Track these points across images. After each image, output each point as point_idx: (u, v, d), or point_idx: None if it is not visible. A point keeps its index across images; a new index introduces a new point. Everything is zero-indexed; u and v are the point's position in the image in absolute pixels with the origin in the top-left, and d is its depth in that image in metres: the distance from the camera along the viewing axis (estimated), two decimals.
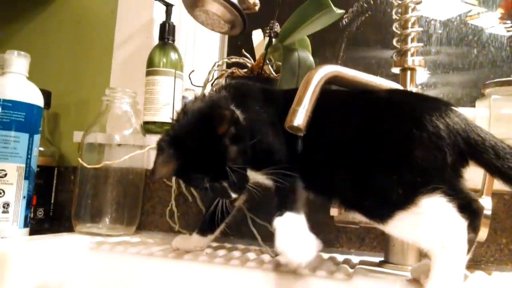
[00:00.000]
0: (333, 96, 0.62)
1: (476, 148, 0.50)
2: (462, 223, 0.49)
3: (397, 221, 0.50)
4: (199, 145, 0.56)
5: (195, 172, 0.57)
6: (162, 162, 0.56)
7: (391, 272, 0.63)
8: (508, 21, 0.97)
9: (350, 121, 0.57)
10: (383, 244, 0.75)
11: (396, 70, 0.69)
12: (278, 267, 0.61)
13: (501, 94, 0.75)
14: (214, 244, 0.80)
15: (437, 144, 0.50)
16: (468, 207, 0.50)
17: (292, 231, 0.54)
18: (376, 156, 0.52)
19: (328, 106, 0.58)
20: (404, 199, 0.49)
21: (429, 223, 0.49)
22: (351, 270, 0.62)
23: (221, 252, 0.72)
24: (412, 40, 0.68)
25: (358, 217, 0.55)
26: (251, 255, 0.70)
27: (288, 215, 0.55)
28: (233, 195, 0.58)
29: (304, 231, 0.54)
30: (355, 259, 0.73)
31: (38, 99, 0.83)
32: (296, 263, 0.54)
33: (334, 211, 0.63)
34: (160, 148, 0.57)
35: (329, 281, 0.57)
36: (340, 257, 0.74)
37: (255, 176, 0.61)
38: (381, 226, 0.52)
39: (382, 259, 0.69)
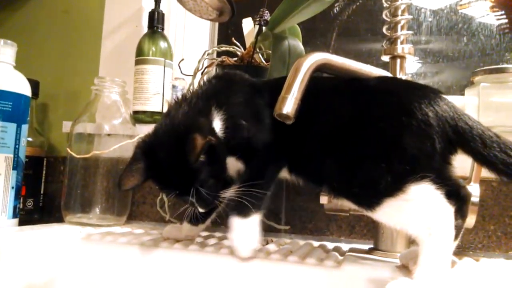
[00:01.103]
0: (323, 83, 0.62)
1: (463, 137, 0.50)
2: (449, 209, 0.49)
3: (385, 208, 0.50)
4: (169, 162, 0.57)
5: (163, 186, 0.60)
6: (129, 174, 0.57)
7: (380, 259, 0.64)
8: (499, 10, 0.98)
9: (340, 109, 0.57)
10: (373, 231, 0.75)
11: (386, 58, 0.69)
12: (268, 255, 0.61)
13: (490, 82, 0.76)
14: (205, 233, 0.80)
15: (426, 131, 0.50)
16: (455, 194, 0.51)
17: (247, 232, 0.59)
18: (365, 143, 0.52)
19: (318, 93, 0.58)
20: (393, 186, 0.49)
21: (417, 210, 0.49)
22: (340, 258, 0.63)
23: (212, 241, 0.72)
24: (402, 27, 0.68)
25: (347, 204, 0.55)
26: None
27: (249, 220, 0.59)
28: (200, 210, 0.59)
29: (255, 230, 0.59)
30: (345, 246, 0.74)
31: (25, 89, 0.82)
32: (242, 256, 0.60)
33: (324, 199, 0.63)
34: (133, 156, 0.60)
35: (319, 269, 0.58)
36: (330, 245, 0.74)
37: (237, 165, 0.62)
38: (369, 213, 0.52)
39: (372, 246, 0.69)
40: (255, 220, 0.59)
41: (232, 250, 0.63)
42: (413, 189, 0.49)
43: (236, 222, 0.59)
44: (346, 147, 0.54)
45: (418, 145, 0.50)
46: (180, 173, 0.56)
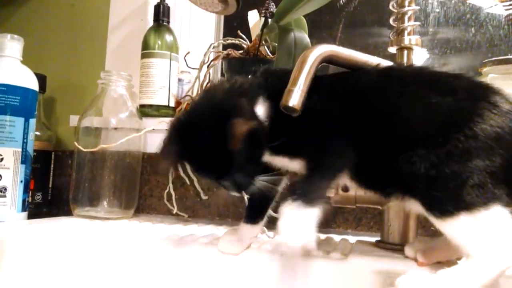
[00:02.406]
0: (399, 80, 0.55)
1: None
2: None
3: (458, 220, 0.46)
4: (206, 145, 0.52)
5: (199, 169, 0.56)
6: (164, 157, 0.54)
7: (387, 251, 0.64)
8: (507, 1, 0.96)
9: (426, 109, 0.51)
10: (379, 224, 0.75)
11: (393, 49, 0.69)
12: (276, 248, 0.61)
13: (498, 72, 0.75)
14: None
15: None
16: None
17: (300, 223, 0.50)
18: (460, 150, 0.47)
19: (391, 91, 0.53)
20: (477, 200, 0.46)
21: (489, 231, 0.46)
22: (347, 250, 0.63)
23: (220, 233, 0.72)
24: (409, 18, 0.67)
25: (415, 207, 0.51)
26: None
27: (304, 211, 0.50)
28: (234, 194, 0.56)
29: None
30: (352, 239, 0.74)
31: (32, 83, 0.82)
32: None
33: (330, 192, 0.63)
34: (168, 137, 0.55)
35: (325, 261, 0.58)
36: (337, 238, 0.74)
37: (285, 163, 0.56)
38: (433, 219, 0.49)
39: (379, 238, 0.69)
40: (315, 212, 0.50)
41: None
42: (495, 209, 0.46)
43: (295, 209, 0.50)
44: (439, 147, 0.48)
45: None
46: (218, 157, 0.52)
